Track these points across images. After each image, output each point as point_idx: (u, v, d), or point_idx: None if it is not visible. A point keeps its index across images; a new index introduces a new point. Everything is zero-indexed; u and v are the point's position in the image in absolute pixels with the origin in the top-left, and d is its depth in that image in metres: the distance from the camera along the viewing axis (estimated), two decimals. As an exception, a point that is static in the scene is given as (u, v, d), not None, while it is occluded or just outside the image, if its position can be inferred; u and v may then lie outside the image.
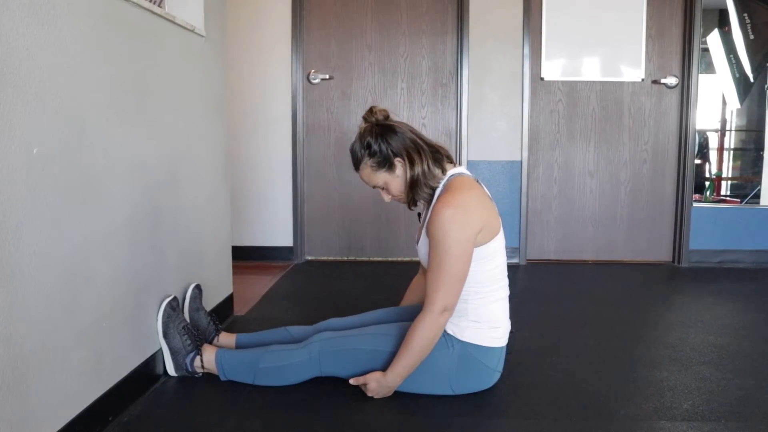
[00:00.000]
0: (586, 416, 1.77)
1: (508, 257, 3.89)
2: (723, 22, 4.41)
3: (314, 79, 3.91)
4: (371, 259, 4.02)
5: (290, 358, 1.89)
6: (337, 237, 4.03)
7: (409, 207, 1.91)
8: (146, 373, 1.91)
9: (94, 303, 1.62)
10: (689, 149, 3.88)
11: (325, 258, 4.03)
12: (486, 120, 3.85)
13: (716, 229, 3.94)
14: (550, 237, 4.01)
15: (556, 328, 2.58)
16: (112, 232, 1.71)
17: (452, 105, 3.92)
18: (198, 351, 1.97)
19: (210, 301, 2.49)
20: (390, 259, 4.02)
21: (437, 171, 1.83)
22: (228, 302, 2.73)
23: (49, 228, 1.42)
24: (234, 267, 2.86)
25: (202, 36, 2.36)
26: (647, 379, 2.04)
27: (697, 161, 4.58)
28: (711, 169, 5.15)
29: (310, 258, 4.03)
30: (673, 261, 3.99)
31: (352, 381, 1.86)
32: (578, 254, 4.01)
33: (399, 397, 1.85)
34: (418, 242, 1.93)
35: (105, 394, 1.67)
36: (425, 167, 1.80)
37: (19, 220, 1.31)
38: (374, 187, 1.91)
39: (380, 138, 1.83)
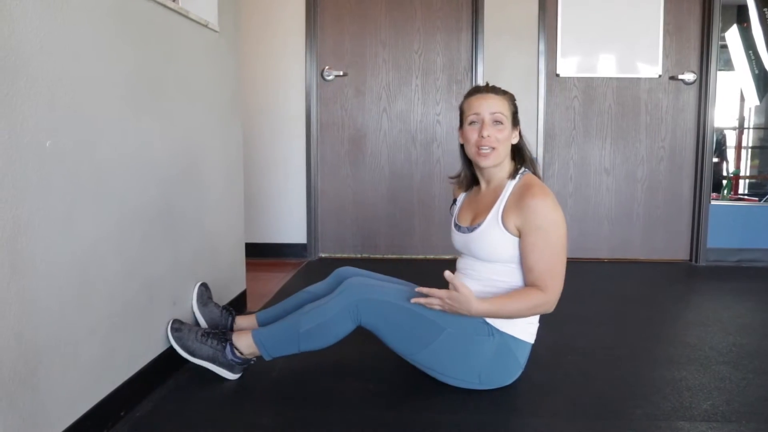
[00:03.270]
0: (602, 415, 1.74)
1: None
2: (742, 17, 4.35)
3: (328, 75, 3.90)
4: (384, 256, 4.00)
5: (328, 312, 1.82)
6: (351, 234, 4.02)
7: (481, 159, 1.85)
8: (159, 369, 1.91)
9: (106, 298, 1.61)
10: (707, 147, 3.83)
11: (338, 255, 4.02)
12: None
13: (734, 227, 3.88)
14: (566, 235, 3.96)
15: (572, 326, 2.55)
16: (125, 228, 1.70)
17: (467, 102, 3.89)
18: (228, 342, 1.92)
19: (223, 298, 2.48)
20: (404, 256, 4.00)
21: (527, 164, 1.91)
22: (241, 299, 2.72)
23: (62, 222, 1.41)
24: (247, 264, 2.86)
25: (216, 31, 2.35)
26: (665, 378, 2.01)
27: (715, 159, 4.53)
28: (728, 167, 5.10)
29: (323, 255, 4.02)
30: (691, 259, 3.94)
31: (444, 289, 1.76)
32: (594, 252, 3.97)
33: (414, 392, 1.84)
34: (472, 230, 1.87)
35: (117, 389, 1.66)
36: (524, 149, 1.92)
37: (31, 213, 1.30)
38: (491, 113, 1.83)
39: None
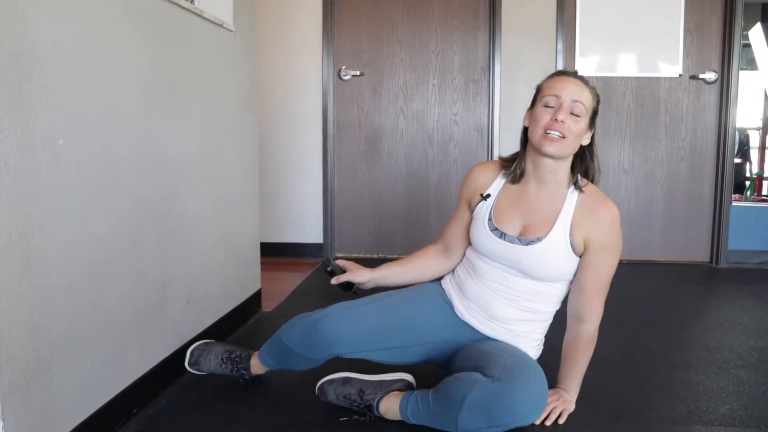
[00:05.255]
0: (618, 419, 1.72)
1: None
2: (767, 15, 4.28)
3: (345, 75, 3.90)
4: (401, 256, 3.96)
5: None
6: (368, 234, 4.01)
7: (545, 143, 1.60)
8: (172, 366, 1.92)
9: (119, 296, 1.62)
10: (728, 147, 3.77)
11: (355, 255, 4.01)
12: (518, 116, 3.71)
13: (757, 229, 3.81)
14: (584, 236, 3.93)
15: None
16: (138, 226, 1.71)
17: (484, 101, 3.87)
18: None
19: (237, 297, 2.49)
20: (420, 256, 3.98)
21: (585, 174, 1.72)
22: (256, 298, 2.73)
23: (74, 220, 1.42)
24: (263, 263, 2.86)
25: (231, 31, 2.36)
26: (682, 381, 1.98)
27: (738, 160, 4.46)
28: (752, 168, 5.02)
29: (340, 255, 4.02)
30: (711, 261, 3.88)
31: (544, 422, 1.66)
32: (612, 254, 3.92)
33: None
34: (529, 243, 1.65)
35: (130, 386, 1.67)
36: (594, 156, 1.71)
37: (44, 211, 1.31)
38: (573, 100, 1.60)
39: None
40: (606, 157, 3.88)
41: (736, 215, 3.81)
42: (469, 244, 1.82)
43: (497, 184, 1.76)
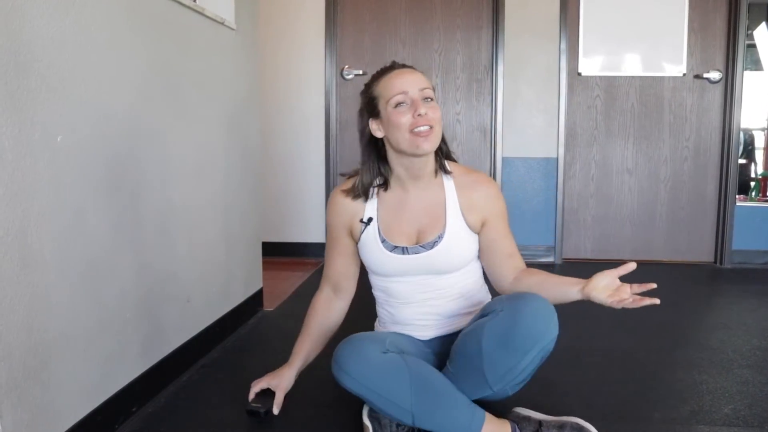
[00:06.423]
0: (620, 418, 1.71)
1: (544, 255, 3.84)
2: (772, 15, 4.26)
3: (348, 74, 3.89)
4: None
5: None
6: (370, 234, 4.00)
7: (420, 142, 1.51)
8: (171, 365, 1.91)
9: (119, 293, 1.62)
10: (732, 146, 3.75)
11: (357, 255, 4.00)
12: (521, 116, 3.78)
13: (762, 229, 3.80)
14: (587, 236, 3.92)
15: (590, 328, 2.51)
16: (138, 223, 1.70)
17: (487, 101, 3.86)
18: None
19: (239, 296, 2.48)
20: (422, 256, 3.97)
21: (445, 152, 1.68)
22: (257, 297, 2.72)
23: (73, 217, 1.42)
24: (266, 263, 2.86)
25: (233, 29, 2.35)
26: (685, 381, 1.96)
27: (743, 161, 4.43)
28: (757, 168, 4.99)
29: (342, 255, 4.01)
30: (715, 261, 3.86)
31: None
32: (616, 253, 3.91)
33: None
34: (433, 245, 1.61)
35: (129, 384, 1.67)
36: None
37: (41, 207, 1.31)
38: (421, 89, 1.53)
39: None
40: (609, 156, 3.87)
41: (741, 215, 3.79)
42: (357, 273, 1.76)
43: (371, 203, 1.65)
